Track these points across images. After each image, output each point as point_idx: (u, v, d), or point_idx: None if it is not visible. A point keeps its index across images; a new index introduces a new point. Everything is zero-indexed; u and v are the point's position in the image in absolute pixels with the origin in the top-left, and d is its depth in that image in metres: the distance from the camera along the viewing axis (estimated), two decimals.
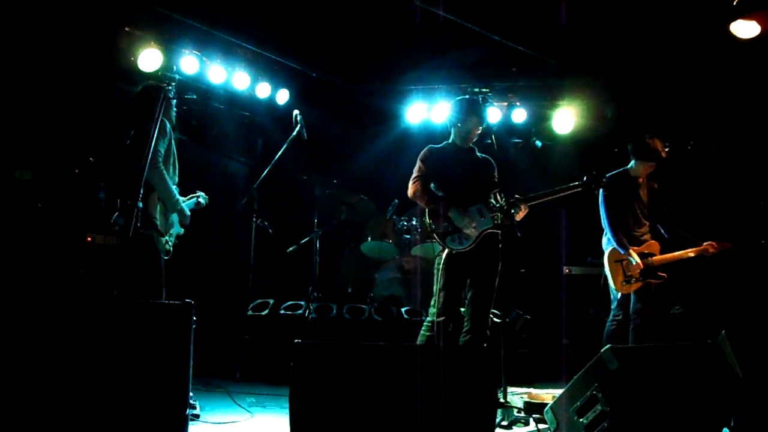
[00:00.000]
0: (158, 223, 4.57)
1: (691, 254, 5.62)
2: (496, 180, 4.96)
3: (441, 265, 4.80)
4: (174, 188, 4.71)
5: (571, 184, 4.93)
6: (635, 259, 5.48)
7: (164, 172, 4.55)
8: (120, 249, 5.30)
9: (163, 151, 4.57)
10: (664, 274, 5.57)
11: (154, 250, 4.57)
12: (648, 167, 5.70)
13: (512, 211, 4.64)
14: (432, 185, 4.97)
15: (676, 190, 6.43)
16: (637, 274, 5.49)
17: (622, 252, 5.52)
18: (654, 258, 5.59)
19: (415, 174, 4.98)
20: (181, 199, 4.96)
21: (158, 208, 4.58)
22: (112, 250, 4.96)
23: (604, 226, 5.70)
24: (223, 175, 8.75)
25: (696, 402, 3.64)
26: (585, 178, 4.90)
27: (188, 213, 4.90)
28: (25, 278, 5.57)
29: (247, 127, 8.79)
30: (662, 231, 5.78)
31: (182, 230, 4.96)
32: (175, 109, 4.86)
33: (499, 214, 4.70)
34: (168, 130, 4.67)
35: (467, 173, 4.91)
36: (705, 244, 5.59)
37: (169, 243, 4.72)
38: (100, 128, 6.45)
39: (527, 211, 4.82)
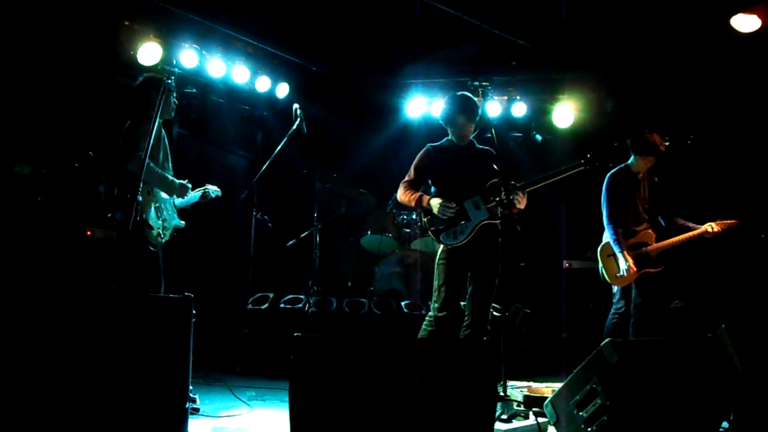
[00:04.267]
0: (147, 216, 4.59)
1: (691, 237, 5.56)
2: (496, 170, 4.89)
3: (441, 261, 4.78)
4: (165, 173, 4.75)
5: (573, 164, 4.80)
6: (628, 262, 5.43)
7: (150, 162, 4.56)
8: (117, 242, 5.32)
9: (144, 145, 4.58)
10: (661, 264, 5.55)
11: (145, 242, 4.61)
12: (647, 162, 5.69)
13: (511, 197, 4.58)
14: (431, 184, 4.96)
15: (676, 184, 6.43)
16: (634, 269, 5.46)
17: (617, 251, 5.49)
18: (649, 248, 5.58)
19: (405, 179, 4.94)
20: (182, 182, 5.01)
21: (147, 200, 4.62)
22: (111, 244, 4.96)
23: (604, 221, 5.68)
24: (222, 168, 8.75)
25: (695, 396, 3.65)
26: (588, 156, 4.79)
27: (189, 186, 4.91)
28: (25, 272, 5.57)
29: (247, 120, 8.80)
30: (663, 223, 5.76)
31: (182, 223, 4.96)
32: (174, 101, 4.86)
33: (497, 204, 4.65)
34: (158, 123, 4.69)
35: (463, 168, 4.84)
36: (705, 225, 5.52)
37: (163, 235, 4.74)
38: (100, 122, 6.45)
39: (526, 198, 4.74)
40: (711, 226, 5.49)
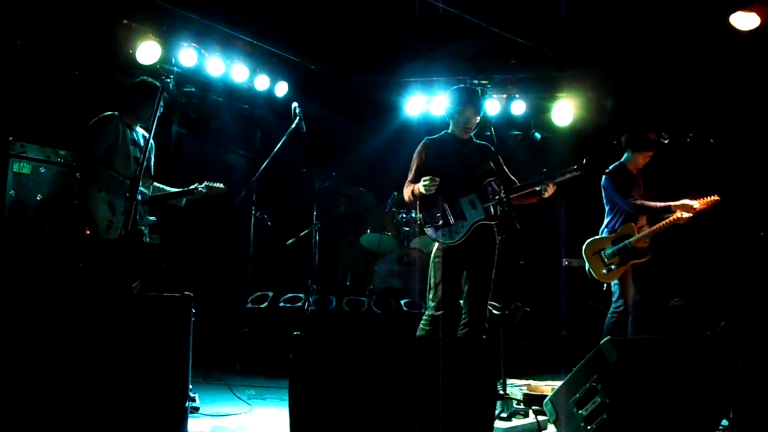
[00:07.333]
0: (93, 211, 4.81)
1: (670, 222, 5.41)
2: (493, 168, 4.87)
3: (437, 259, 4.74)
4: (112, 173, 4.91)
5: (569, 168, 4.79)
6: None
7: (92, 171, 4.83)
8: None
9: (95, 149, 4.86)
10: (648, 254, 5.52)
11: (94, 236, 4.83)
12: (645, 157, 5.66)
13: (509, 196, 4.53)
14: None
15: (676, 182, 6.42)
16: (617, 261, 5.44)
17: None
18: (632, 239, 5.52)
19: (409, 177, 4.89)
20: (165, 187, 5.21)
21: (98, 198, 4.83)
22: (111, 244, 4.99)
23: (618, 203, 5.57)
24: (222, 167, 8.75)
25: (695, 394, 3.65)
26: (584, 161, 4.78)
27: (146, 192, 5.13)
28: (24, 272, 5.56)
29: (246, 119, 8.80)
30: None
31: (153, 219, 5.15)
32: (159, 108, 4.81)
33: (496, 204, 4.65)
34: (115, 125, 4.94)
35: (461, 164, 4.81)
36: (677, 203, 5.40)
37: (115, 230, 4.85)
38: None
39: (555, 188, 4.70)
40: (681, 213, 5.36)
